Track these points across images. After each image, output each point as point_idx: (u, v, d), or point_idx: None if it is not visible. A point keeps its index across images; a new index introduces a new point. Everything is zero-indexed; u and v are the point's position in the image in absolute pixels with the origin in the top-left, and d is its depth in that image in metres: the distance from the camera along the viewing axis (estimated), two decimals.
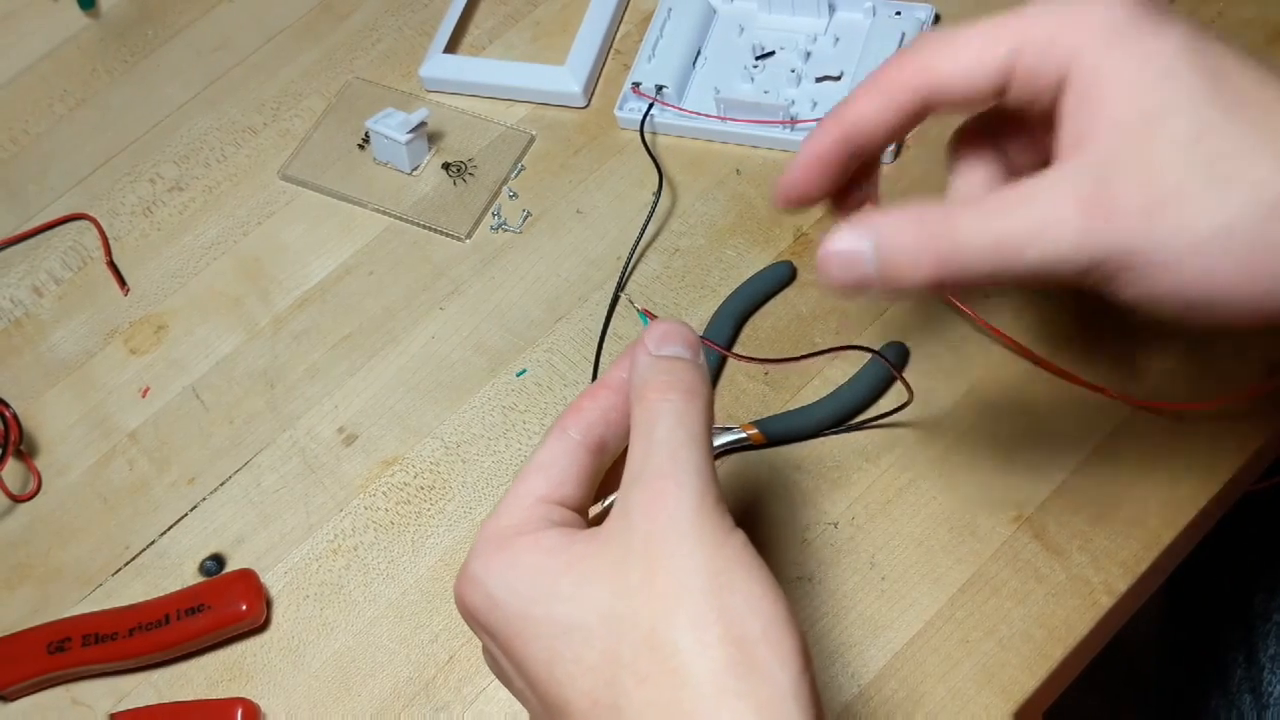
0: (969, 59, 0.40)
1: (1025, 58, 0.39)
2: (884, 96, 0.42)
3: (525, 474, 0.42)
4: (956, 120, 0.46)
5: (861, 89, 0.42)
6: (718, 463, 0.58)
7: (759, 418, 0.59)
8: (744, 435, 0.58)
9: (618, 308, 0.64)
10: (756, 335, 0.62)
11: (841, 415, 0.58)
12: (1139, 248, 0.36)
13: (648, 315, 0.43)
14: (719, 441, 0.59)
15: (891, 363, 0.57)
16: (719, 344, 0.61)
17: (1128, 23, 0.38)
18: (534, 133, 0.71)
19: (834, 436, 0.58)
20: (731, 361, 0.61)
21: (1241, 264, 0.36)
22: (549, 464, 0.42)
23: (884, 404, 0.59)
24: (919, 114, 0.42)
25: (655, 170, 0.67)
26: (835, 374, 0.60)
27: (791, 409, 0.59)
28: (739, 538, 0.39)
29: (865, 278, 0.40)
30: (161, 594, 0.58)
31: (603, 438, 0.43)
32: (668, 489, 0.39)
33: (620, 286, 0.64)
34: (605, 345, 0.63)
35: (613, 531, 0.40)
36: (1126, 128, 0.37)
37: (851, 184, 0.46)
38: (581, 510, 0.43)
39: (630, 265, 0.65)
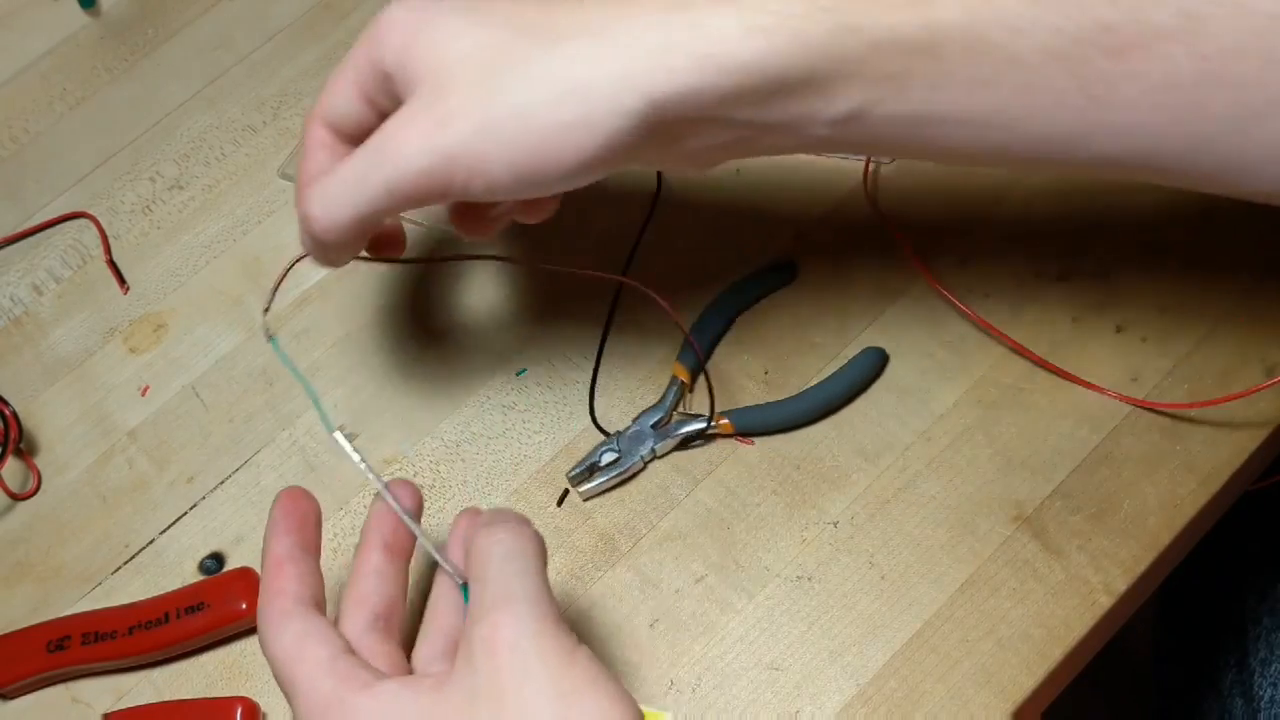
0: (344, 90, 0.48)
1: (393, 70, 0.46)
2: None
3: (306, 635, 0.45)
4: None
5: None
6: (691, 450, 0.59)
7: (731, 409, 0.59)
8: (712, 424, 0.59)
9: (619, 306, 0.64)
10: (754, 334, 0.62)
11: (815, 412, 0.59)
12: (467, 143, 0.43)
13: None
14: (686, 429, 0.59)
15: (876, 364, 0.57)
16: (708, 338, 0.61)
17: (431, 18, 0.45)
18: None
19: (833, 436, 0.58)
20: (731, 360, 0.62)
21: (545, 132, 0.42)
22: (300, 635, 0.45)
23: (870, 402, 0.59)
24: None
25: (654, 170, 0.67)
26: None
27: (765, 403, 0.60)
28: (584, 654, 0.41)
29: (312, 237, 0.48)
30: (161, 592, 0.58)
31: (315, 599, 0.47)
32: (504, 621, 0.41)
33: (621, 286, 0.64)
34: (607, 346, 0.63)
35: (458, 675, 0.41)
36: (441, 71, 0.44)
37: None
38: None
39: (631, 265, 0.65)
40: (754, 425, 0.59)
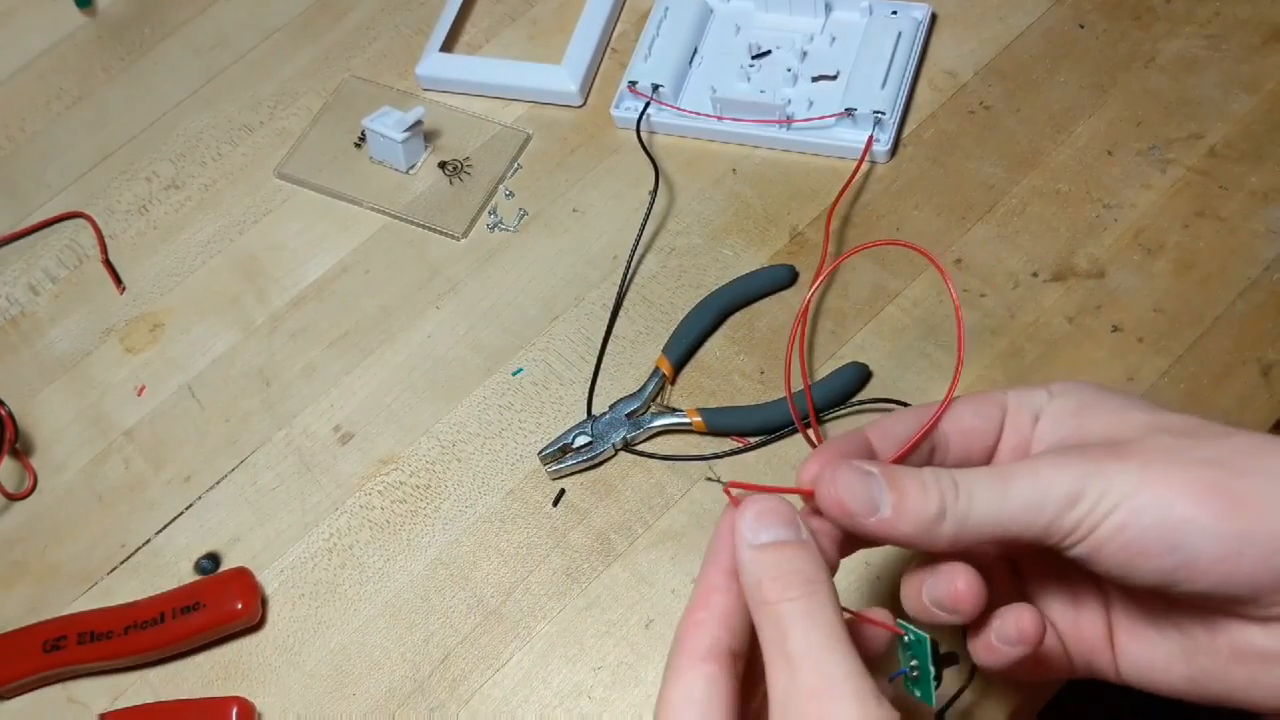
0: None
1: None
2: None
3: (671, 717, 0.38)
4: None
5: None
6: (660, 440, 0.59)
7: (706, 406, 0.60)
8: (687, 420, 0.59)
9: (623, 305, 0.64)
10: (752, 333, 0.62)
11: (783, 421, 0.59)
12: (1113, 478, 0.38)
13: (729, 494, 0.41)
14: (659, 422, 0.59)
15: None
16: (696, 332, 0.61)
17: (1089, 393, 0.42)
18: (530, 132, 0.71)
19: (829, 434, 0.58)
20: (730, 358, 0.62)
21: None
22: (692, 701, 0.38)
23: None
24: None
25: (652, 169, 0.67)
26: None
27: (739, 405, 0.60)
28: None
29: (873, 503, 0.40)
30: (157, 592, 0.58)
31: (731, 647, 0.39)
32: (828, 711, 0.36)
33: (622, 286, 0.64)
34: (609, 346, 0.63)
35: None
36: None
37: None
38: None
39: (631, 265, 0.65)
40: (726, 426, 0.59)
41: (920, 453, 0.43)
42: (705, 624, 0.39)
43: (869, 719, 0.35)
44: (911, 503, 0.40)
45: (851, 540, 0.42)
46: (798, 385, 0.58)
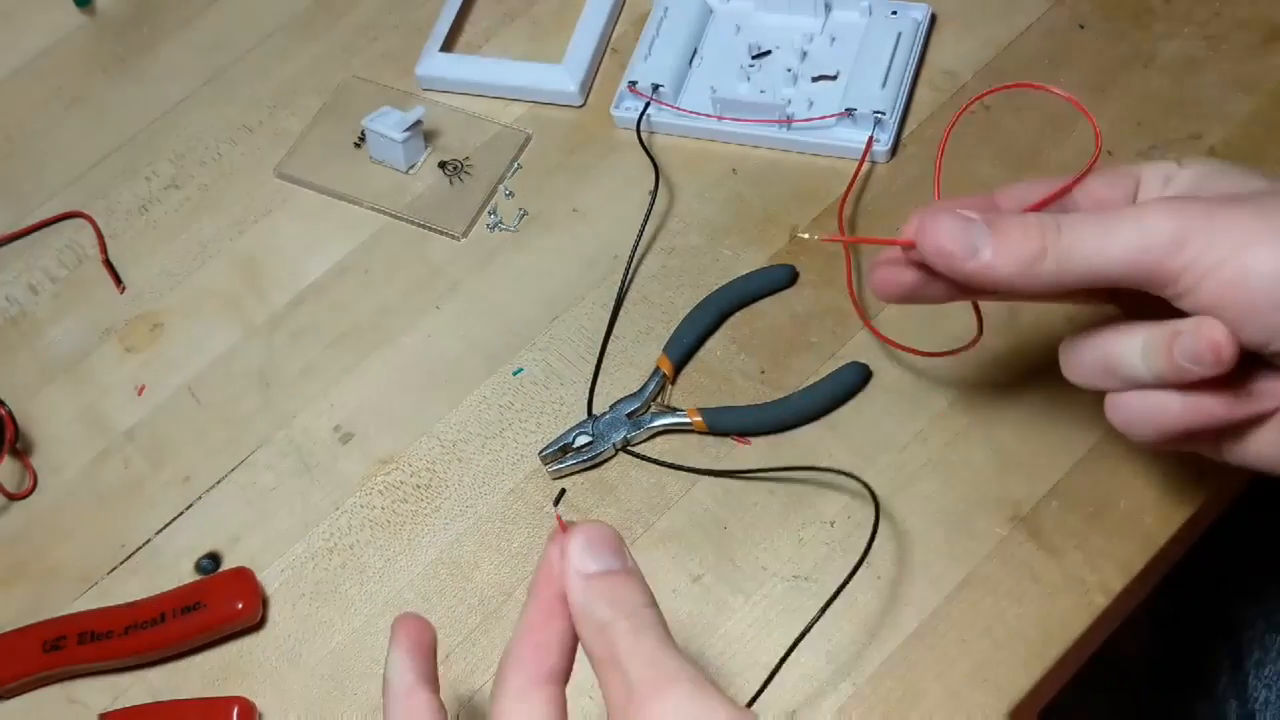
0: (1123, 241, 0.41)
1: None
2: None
3: None
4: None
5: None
6: (661, 440, 0.59)
7: (706, 406, 0.60)
8: (687, 420, 0.59)
9: (623, 305, 0.64)
10: (751, 333, 0.62)
11: (787, 422, 0.59)
12: (1214, 237, 0.38)
13: (559, 520, 0.41)
14: (660, 422, 0.59)
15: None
16: (697, 332, 0.61)
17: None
18: (530, 131, 0.71)
19: (830, 436, 0.58)
20: (731, 358, 0.62)
21: None
22: None
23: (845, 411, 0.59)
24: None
25: (652, 169, 0.67)
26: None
27: (739, 405, 0.60)
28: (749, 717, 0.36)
29: (971, 247, 0.40)
30: (157, 592, 0.58)
31: (566, 670, 0.40)
32: (666, 698, 0.36)
33: (623, 286, 0.64)
34: (609, 345, 0.63)
35: None
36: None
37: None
38: None
39: (632, 265, 0.65)
40: (726, 425, 0.59)
41: None
42: (545, 647, 0.39)
43: (710, 703, 0.35)
44: (1013, 242, 0.40)
45: (961, 287, 0.43)
46: (803, 380, 0.58)
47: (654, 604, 0.39)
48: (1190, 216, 0.39)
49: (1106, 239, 0.40)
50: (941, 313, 0.61)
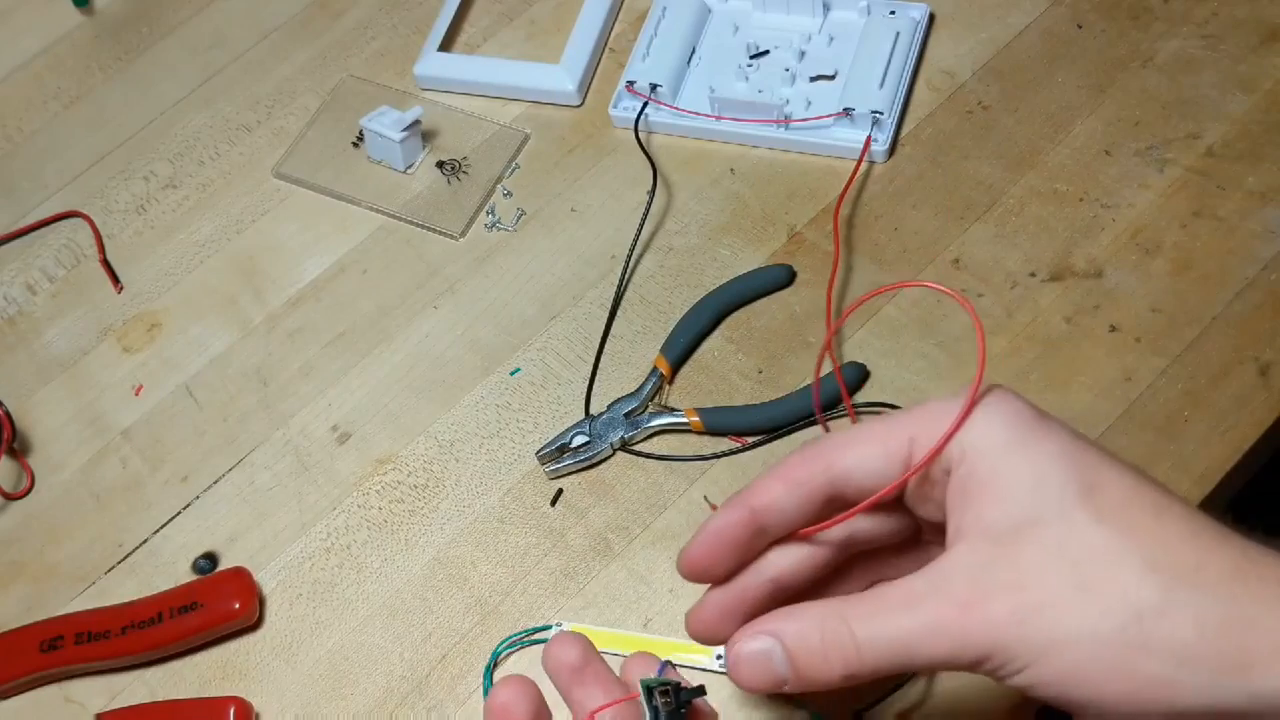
0: (869, 450, 0.41)
1: (919, 448, 0.40)
2: (791, 484, 0.42)
3: None
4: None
5: (769, 476, 0.42)
6: (658, 439, 0.59)
7: (703, 406, 0.60)
8: (685, 420, 0.59)
9: (621, 305, 0.64)
10: (748, 333, 0.62)
11: (784, 422, 0.59)
12: (1014, 649, 0.37)
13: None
14: (657, 421, 0.59)
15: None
16: (694, 332, 0.62)
17: (1012, 428, 0.39)
18: (528, 131, 0.71)
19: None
20: (729, 357, 0.62)
21: (1112, 666, 0.36)
22: None
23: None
24: (825, 502, 0.42)
25: (650, 169, 0.67)
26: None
27: (737, 405, 0.60)
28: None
29: (779, 679, 0.40)
30: (154, 592, 0.58)
31: None
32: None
33: (620, 286, 0.64)
34: (607, 345, 0.63)
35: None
36: (999, 535, 0.38)
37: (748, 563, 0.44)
38: None
39: (630, 265, 0.65)
40: (724, 425, 0.59)
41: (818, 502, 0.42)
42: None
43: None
44: (814, 673, 0.40)
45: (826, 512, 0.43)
46: (801, 379, 0.58)
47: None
48: (991, 642, 0.37)
49: (908, 654, 0.39)
50: (941, 313, 0.61)
